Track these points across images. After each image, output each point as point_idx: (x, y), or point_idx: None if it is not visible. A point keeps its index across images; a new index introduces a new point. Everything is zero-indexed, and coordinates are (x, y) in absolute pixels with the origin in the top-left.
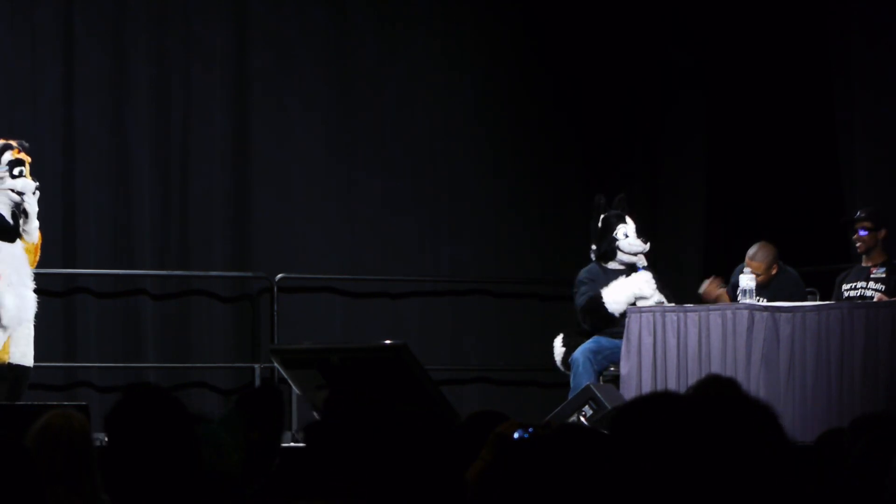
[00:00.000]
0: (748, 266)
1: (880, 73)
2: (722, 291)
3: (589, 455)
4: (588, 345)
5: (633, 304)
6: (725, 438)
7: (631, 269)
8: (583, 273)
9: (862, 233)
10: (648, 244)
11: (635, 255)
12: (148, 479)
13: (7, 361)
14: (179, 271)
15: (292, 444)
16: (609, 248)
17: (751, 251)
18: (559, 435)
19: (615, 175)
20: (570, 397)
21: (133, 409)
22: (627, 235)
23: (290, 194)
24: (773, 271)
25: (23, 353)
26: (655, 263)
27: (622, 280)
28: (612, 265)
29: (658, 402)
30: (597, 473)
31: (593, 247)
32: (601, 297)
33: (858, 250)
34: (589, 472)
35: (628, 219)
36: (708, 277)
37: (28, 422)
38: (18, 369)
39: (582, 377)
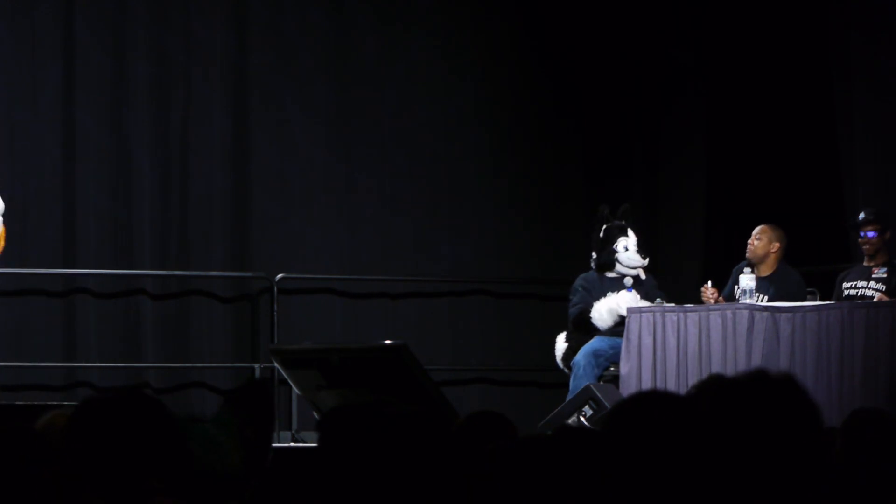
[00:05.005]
0: (754, 236)
1: (880, 73)
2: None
3: (588, 456)
4: (590, 346)
5: (619, 322)
6: (725, 438)
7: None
8: (579, 280)
9: (871, 235)
10: (647, 259)
11: (633, 269)
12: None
13: None
14: (179, 271)
15: (292, 444)
16: (608, 260)
17: (757, 228)
18: (558, 436)
19: (615, 175)
20: (568, 399)
21: (98, 414)
22: (627, 249)
23: (290, 194)
24: (779, 245)
25: None
26: (655, 265)
27: (611, 297)
28: (609, 274)
29: (653, 401)
30: (595, 474)
31: (593, 255)
32: (589, 313)
33: (866, 252)
34: (588, 473)
35: (630, 232)
36: (706, 279)
37: (29, 422)
38: None
39: (582, 380)
